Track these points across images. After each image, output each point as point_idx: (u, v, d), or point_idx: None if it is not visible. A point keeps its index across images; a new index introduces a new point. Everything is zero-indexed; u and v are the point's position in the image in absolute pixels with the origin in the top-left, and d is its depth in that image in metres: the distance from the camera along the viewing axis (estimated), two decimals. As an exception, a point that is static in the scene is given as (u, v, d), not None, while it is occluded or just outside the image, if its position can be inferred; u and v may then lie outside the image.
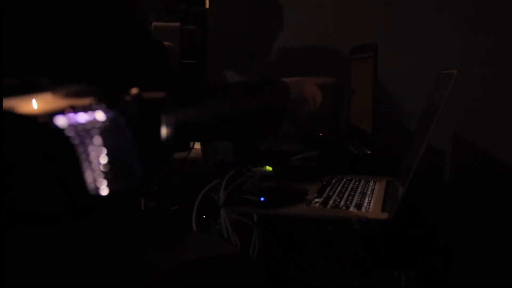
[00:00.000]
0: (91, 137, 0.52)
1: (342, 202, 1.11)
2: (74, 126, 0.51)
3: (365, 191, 1.21)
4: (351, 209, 1.07)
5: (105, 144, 0.53)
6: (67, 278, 0.67)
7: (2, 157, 0.49)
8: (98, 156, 0.53)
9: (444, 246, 1.03)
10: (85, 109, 0.52)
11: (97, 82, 0.62)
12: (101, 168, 0.53)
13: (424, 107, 1.25)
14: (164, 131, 0.62)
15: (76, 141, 0.51)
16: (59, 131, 0.50)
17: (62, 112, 0.51)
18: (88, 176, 0.52)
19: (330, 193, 1.18)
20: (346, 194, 1.18)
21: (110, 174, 0.53)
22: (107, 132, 0.54)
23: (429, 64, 1.72)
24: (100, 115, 0.54)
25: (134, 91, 0.60)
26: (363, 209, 1.07)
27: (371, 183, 1.29)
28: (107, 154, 0.53)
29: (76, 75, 1.02)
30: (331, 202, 1.11)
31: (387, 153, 1.39)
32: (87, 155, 0.52)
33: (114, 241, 0.81)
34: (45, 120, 0.50)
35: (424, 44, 1.76)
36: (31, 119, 0.50)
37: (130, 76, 1.08)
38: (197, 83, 1.67)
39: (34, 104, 0.52)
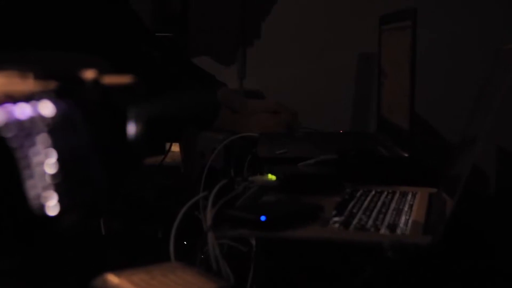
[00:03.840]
0: (35, 138, 0.52)
1: (370, 222, 1.11)
2: (12, 123, 0.51)
3: (400, 207, 1.21)
4: (382, 231, 1.07)
5: (55, 147, 0.53)
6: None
7: None
8: (45, 163, 0.52)
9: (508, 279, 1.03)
10: (28, 98, 0.52)
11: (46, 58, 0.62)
12: (48, 179, 0.53)
13: (477, 94, 1.25)
14: (132, 128, 0.62)
15: (14, 143, 0.51)
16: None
17: (-5, 103, 0.51)
18: (31, 190, 0.52)
19: (354, 210, 1.18)
20: (375, 211, 1.18)
21: (61, 186, 0.53)
22: (57, 130, 0.53)
23: (484, 37, 1.72)
24: (47, 108, 0.53)
25: (92, 74, 0.59)
26: (398, 231, 1.07)
27: (409, 197, 1.29)
28: (58, 160, 0.53)
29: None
30: (355, 222, 1.11)
31: (430, 156, 1.39)
32: (29, 161, 0.52)
33: (67, 273, 0.81)
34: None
35: (477, 11, 1.75)
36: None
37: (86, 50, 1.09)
38: (175, 64, 1.67)
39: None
